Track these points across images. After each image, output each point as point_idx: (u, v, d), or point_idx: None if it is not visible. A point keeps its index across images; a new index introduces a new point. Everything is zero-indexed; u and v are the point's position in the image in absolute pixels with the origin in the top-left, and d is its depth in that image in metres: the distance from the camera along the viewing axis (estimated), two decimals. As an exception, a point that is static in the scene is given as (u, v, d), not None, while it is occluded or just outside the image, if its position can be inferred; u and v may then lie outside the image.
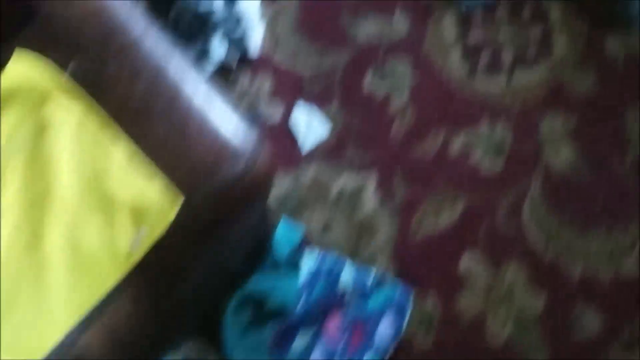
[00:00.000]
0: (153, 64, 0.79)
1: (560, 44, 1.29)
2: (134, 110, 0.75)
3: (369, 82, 1.30)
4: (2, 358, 0.65)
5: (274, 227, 1.11)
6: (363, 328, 1.04)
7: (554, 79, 1.26)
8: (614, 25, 1.28)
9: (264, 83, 1.32)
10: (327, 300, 1.05)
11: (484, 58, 1.30)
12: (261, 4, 1.38)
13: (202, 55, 1.29)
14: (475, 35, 1.32)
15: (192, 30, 1.28)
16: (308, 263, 1.06)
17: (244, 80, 1.32)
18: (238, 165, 0.76)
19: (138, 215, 0.69)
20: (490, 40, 1.31)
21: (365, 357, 1.03)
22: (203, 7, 1.27)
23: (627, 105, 1.21)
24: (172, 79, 0.79)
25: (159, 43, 0.82)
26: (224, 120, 0.78)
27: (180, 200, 0.71)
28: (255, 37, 1.32)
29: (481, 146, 1.21)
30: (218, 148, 0.76)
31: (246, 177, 0.77)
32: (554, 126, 1.22)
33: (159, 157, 0.73)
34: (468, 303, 1.11)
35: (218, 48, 1.28)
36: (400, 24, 1.35)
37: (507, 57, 1.29)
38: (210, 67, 1.31)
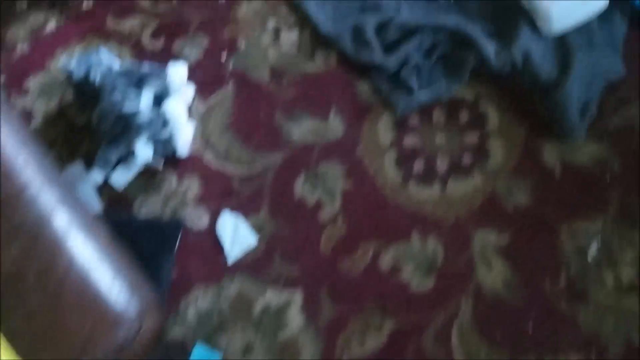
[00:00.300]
0: (33, 221, 0.73)
1: (497, 152, 1.25)
2: (3, 279, 0.69)
3: (301, 186, 1.25)
4: None
5: (188, 355, 1.05)
6: None
7: (489, 189, 1.22)
8: (551, 134, 1.25)
9: (192, 185, 1.27)
10: None
11: (419, 164, 1.26)
12: (193, 101, 1.34)
13: (126, 157, 1.24)
14: (411, 139, 1.28)
15: (115, 132, 1.23)
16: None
17: (171, 181, 1.27)
18: (119, 337, 0.70)
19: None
20: (425, 145, 1.28)
21: None
22: (128, 107, 1.22)
23: (562, 221, 1.18)
24: (52, 239, 0.73)
25: (44, 194, 0.76)
26: (106, 286, 0.72)
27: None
28: (184, 136, 1.27)
29: (412, 261, 1.17)
30: (96, 320, 0.70)
31: (129, 347, 0.71)
32: (486, 242, 1.17)
33: (26, 335, 0.67)
34: None
35: (143, 149, 1.23)
36: (335, 125, 1.31)
37: (442, 164, 1.25)
38: (135, 169, 1.26)
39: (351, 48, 1.37)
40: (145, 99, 1.24)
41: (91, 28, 1.46)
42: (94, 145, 1.28)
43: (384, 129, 1.30)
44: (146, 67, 1.29)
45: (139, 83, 1.26)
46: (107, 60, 1.28)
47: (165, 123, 1.24)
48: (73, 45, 1.44)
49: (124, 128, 1.21)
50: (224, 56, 1.41)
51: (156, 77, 1.27)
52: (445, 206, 1.21)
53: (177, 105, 1.26)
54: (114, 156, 1.23)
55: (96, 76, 1.26)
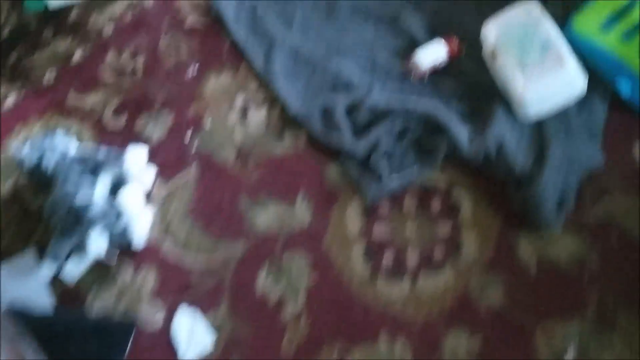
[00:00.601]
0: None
1: (469, 245, 1.19)
2: None
3: (263, 280, 1.19)
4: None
5: None
6: None
7: (461, 286, 1.16)
8: (527, 227, 1.19)
9: (148, 278, 1.20)
10: None
11: (388, 257, 1.19)
12: (153, 184, 1.28)
13: (79, 250, 1.18)
14: (380, 229, 1.22)
15: (67, 225, 1.16)
16: None
17: (126, 274, 1.21)
18: None
19: None
20: (395, 237, 1.21)
21: None
22: (80, 199, 1.16)
23: (537, 322, 1.11)
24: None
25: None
26: None
27: None
28: (141, 226, 1.21)
29: (378, 367, 1.10)
30: None
31: None
32: (457, 345, 1.11)
33: None
34: None
35: (96, 242, 1.16)
36: (302, 212, 1.25)
37: (412, 257, 1.19)
38: (88, 262, 1.19)
39: (320, 130, 1.31)
40: (100, 189, 1.18)
41: (52, 104, 1.41)
42: (47, 233, 1.22)
43: (352, 217, 1.24)
44: (103, 152, 1.24)
45: (94, 170, 1.20)
46: (61, 145, 1.23)
47: (120, 214, 1.18)
48: (32, 122, 1.39)
49: (76, 221, 1.15)
50: (188, 135, 1.35)
51: (113, 163, 1.21)
52: (415, 305, 1.15)
53: (134, 194, 1.20)
54: (65, 250, 1.16)
55: (49, 163, 1.20)
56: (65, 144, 1.24)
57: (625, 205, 1.20)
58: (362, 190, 1.25)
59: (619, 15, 1.18)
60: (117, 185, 1.21)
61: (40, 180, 1.23)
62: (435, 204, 1.24)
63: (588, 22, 1.23)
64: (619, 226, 1.18)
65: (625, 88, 1.25)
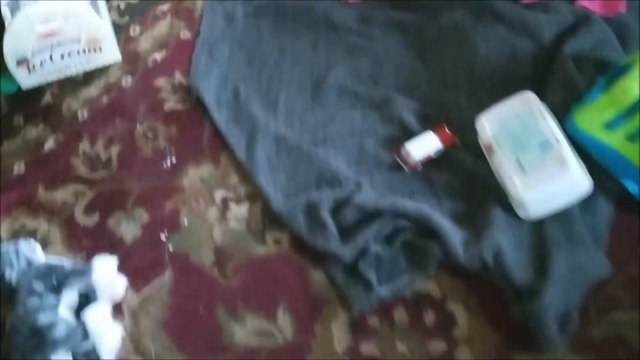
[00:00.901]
0: None
1: (466, 364, 1.10)
2: None
3: (241, 404, 1.09)
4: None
5: None
6: None
7: (457, 414, 1.06)
8: (527, 343, 1.09)
9: (117, 403, 1.11)
10: None
11: (377, 380, 1.10)
12: (125, 293, 1.19)
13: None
14: (369, 347, 1.13)
15: (28, 347, 1.07)
16: None
17: (93, 398, 1.11)
18: None
19: None
20: (386, 354, 1.12)
21: None
22: (43, 319, 1.07)
23: None
24: None
25: None
26: None
27: None
28: (109, 345, 1.12)
29: None
30: None
31: None
32: None
33: None
34: None
35: (60, 365, 1.07)
36: (284, 325, 1.16)
37: (403, 381, 1.09)
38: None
39: (305, 230, 1.22)
40: (65, 306, 1.09)
41: (20, 199, 1.33)
42: (11, 351, 1.13)
43: (339, 331, 1.14)
44: (69, 263, 1.15)
45: (59, 284, 1.12)
46: (26, 254, 1.15)
47: (86, 333, 1.08)
48: (-2, 221, 1.31)
49: (39, 343, 1.06)
50: (164, 236, 1.27)
51: (79, 276, 1.13)
52: None
53: (101, 312, 1.11)
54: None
55: (12, 276, 1.12)
56: (30, 252, 1.16)
57: (633, 317, 1.10)
58: (349, 300, 1.16)
59: (625, 116, 1.10)
60: (84, 300, 1.12)
61: (3, 293, 1.14)
62: (429, 317, 1.14)
63: (591, 119, 1.15)
64: (627, 341, 1.08)
65: (632, 187, 1.16)
